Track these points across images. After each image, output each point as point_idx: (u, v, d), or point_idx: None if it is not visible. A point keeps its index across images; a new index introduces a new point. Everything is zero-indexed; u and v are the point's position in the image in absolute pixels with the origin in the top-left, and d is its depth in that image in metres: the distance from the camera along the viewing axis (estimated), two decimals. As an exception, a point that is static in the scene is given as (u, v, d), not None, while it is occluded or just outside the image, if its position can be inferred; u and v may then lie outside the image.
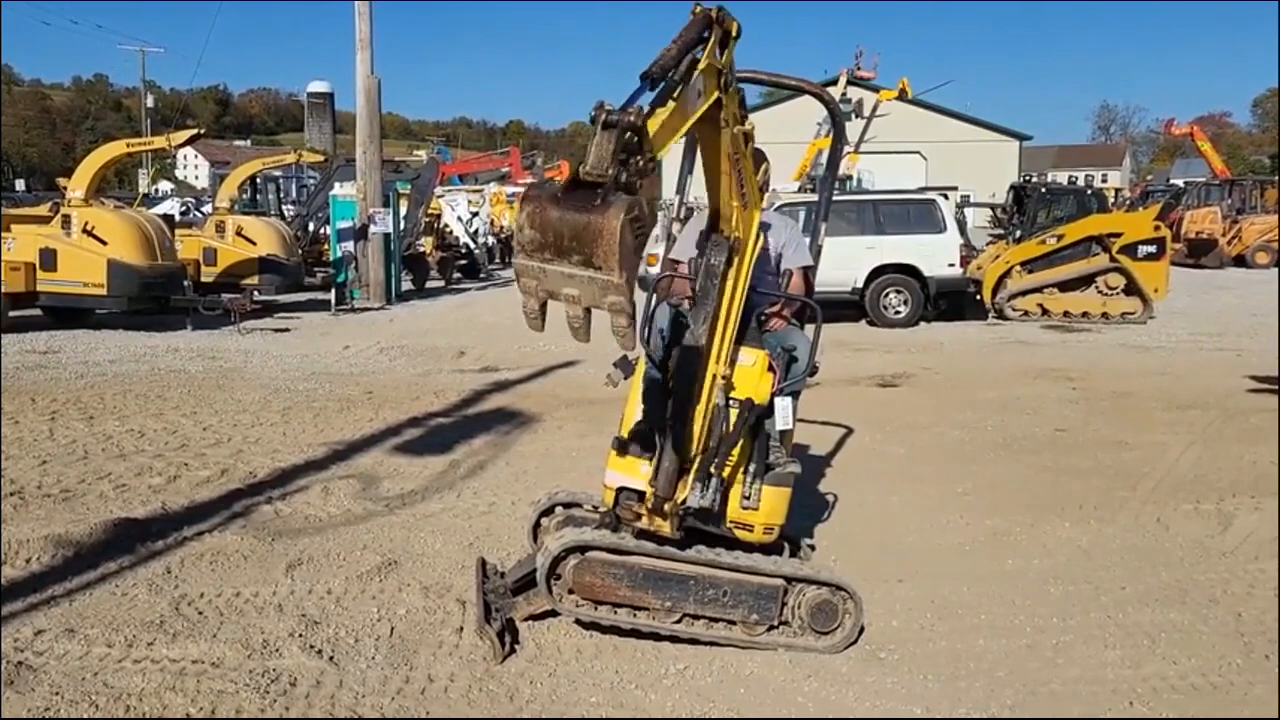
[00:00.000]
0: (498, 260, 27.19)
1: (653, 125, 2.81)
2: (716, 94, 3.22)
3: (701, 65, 3.08)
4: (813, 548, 4.86)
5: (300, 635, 4.07)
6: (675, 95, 2.97)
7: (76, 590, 4.50)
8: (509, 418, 8.29)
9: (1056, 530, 5.64)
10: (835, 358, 11.27)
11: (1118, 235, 15.45)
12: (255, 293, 15.75)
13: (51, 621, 4.15)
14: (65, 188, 14.13)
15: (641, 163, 2.74)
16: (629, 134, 2.68)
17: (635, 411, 4.21)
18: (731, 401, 3.99)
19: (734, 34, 3.27)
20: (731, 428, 3.94)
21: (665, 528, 3.90)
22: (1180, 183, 44.98)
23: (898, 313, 14.99)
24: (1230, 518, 5.78)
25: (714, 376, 3.86)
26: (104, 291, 12.97)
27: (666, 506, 3.83)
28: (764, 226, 4.23)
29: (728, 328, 3.84)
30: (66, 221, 13.13)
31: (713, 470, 3.90)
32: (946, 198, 16.51)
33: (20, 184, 48.20)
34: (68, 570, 4.72)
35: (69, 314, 13.47)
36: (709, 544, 4.09)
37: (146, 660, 3.83)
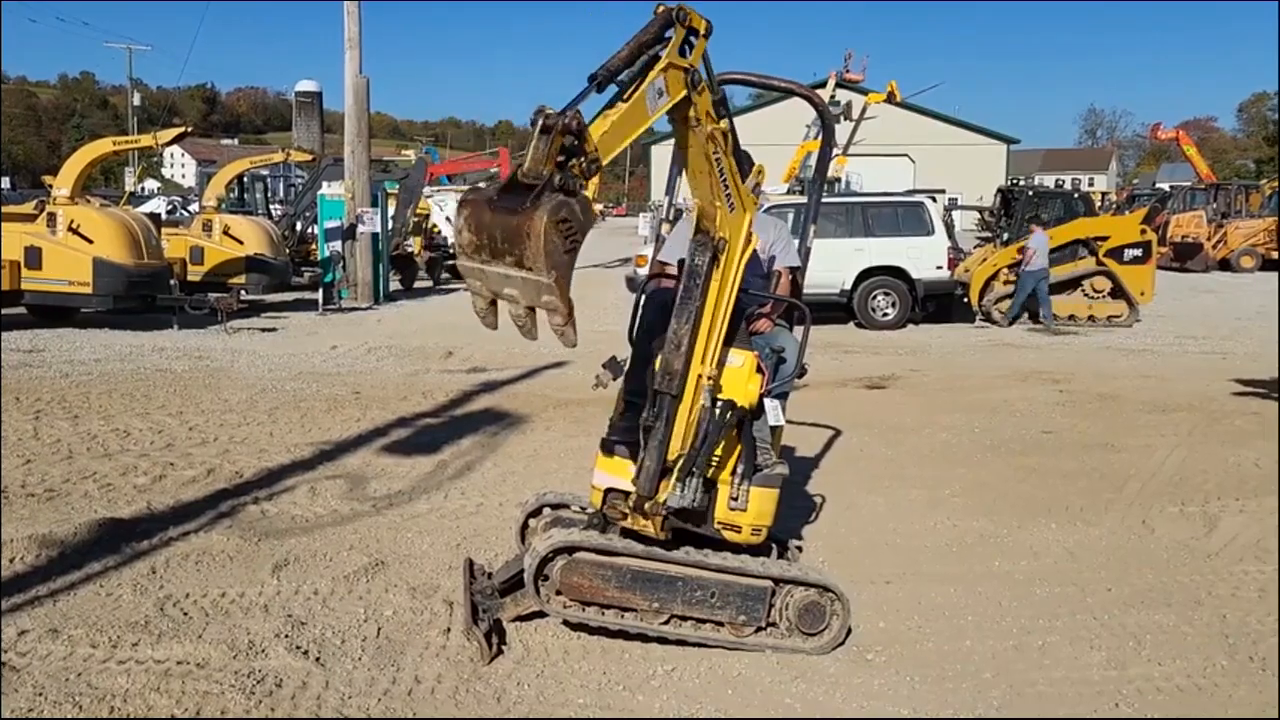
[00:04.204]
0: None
1: (598, 128, 2.86)
2: (684, 93, 3.24)
3: (661, 64, 3.11)
4: (800, 549, 4.87)
5: (286, 636, 4.05)
6: (627, 97, 3.00)
7: (60, 590, 4.46)
8: (497, 418, 8.27)
9: (1043, 532, 5.66)
10: (823, 360, 11.31)
11: (1104, 239, 15.54)
12: (242, 292, 15.72)
13: (35, 622, 4.11)
14: (51, 186, 14.05)
15: (584, 164, 2.79)
16: (566, 137, 2.74)
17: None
18: (719, 402, 3.99)
19: (703, 32, 3.28)
20: (714, 429, 3.93)
21: (649, 527, 3.90)
22: (1166, 187, 45.33)
23: (885, 315, 15.04)
24: (1215, 520, 5.81)
25: (699, 377, 3.86)
26: (89, 290, 12.90)
27: (648, 506, 3.83)
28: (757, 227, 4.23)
29: (714, 329, 3.83)
30: (52, 220, 13.05)
31: (694, 470, 3.89)
32: (934, 200, 16.57)
33: (5, 181, 47.92)
34: (52, 570, 4.68)
35: (54, 312, 13.39)
36: (697, 545, 4.08)
37: (131, 661, 3.81)
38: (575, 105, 2.85)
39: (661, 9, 3.15)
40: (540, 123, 2.73)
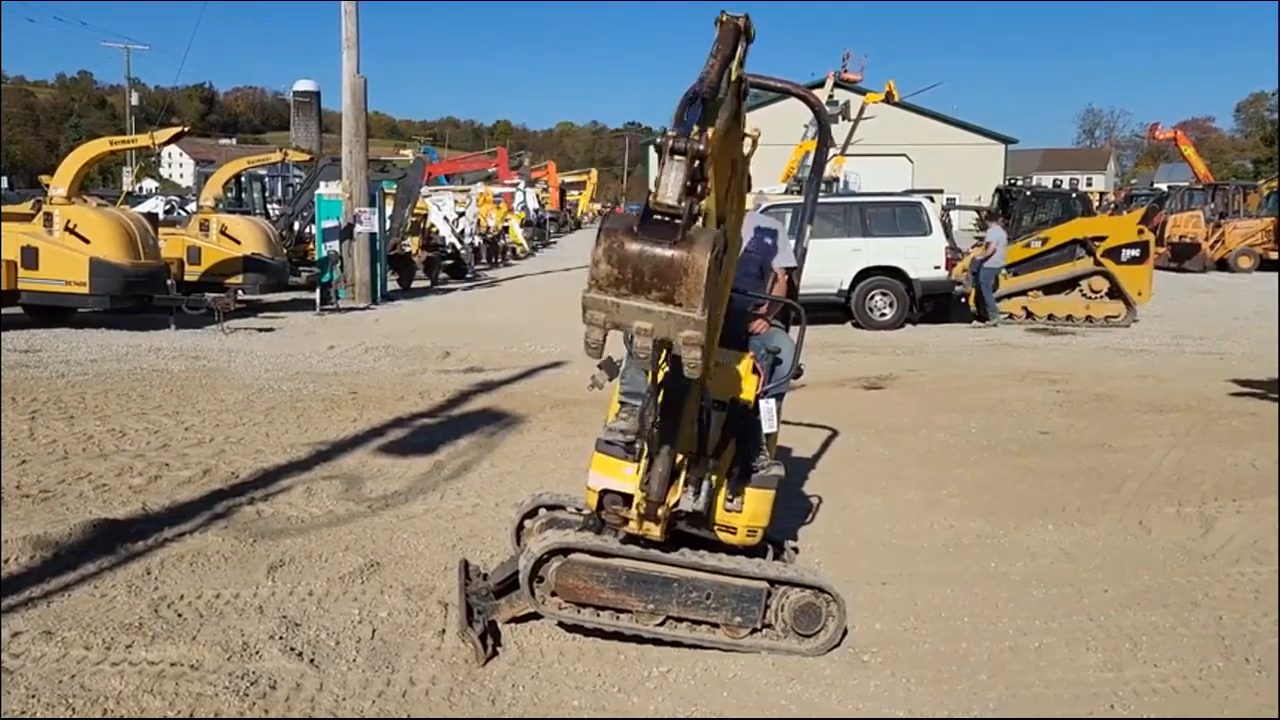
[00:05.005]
0: (484, 260, 27.14)
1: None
2: (738, 103, 3.22)
3: (733, 77, 3.07)
4: (796, 550, 4.85)
5: (280, 637, 4.04)
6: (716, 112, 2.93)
7: (55, 592, 4.45)
8: (494, 418, 8.26)
9: (1040, 533, 5.65)
10: (821, 360, 11.29)
11: (1102, 239, 15.54)
12: (239, 292, 15.68)
13: (29, 623, 4.11)
14: (48, 185, 14.03)
15: (701, 189, 2.70)
16: (697, 162, 2.63)
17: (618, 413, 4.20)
18: (715, 403, 3.98)
19: (750, 38, 3.25)
20: (721, 429, 3.93)
21: (655, 532, 3.89)
22: (1164, 187, 45.34)
23: (883, 315, 15.03)
24: (1212, 521, 5.81)
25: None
26: (86, 290, 12.87)
27: (660, 511, 3.81)
28: (748, 228, 4.24)
29: (713, 330, 3.84)
30: (48, 219, 13.03)
31: (705, 472, 3.89)
32: (932, 200, 16.55)
33: (3, 181, 47.85)
34: (46, 571, 4.67)
35: (51, 312, 13.35)
36: (692, 546, 4.08)
37: (125, 663, 3.80)
38: (690, 126, 2.72)
39: (726, 18, 3.09)
40: (670, 147, 2.62)
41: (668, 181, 2.62)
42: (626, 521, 3.89)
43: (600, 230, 2.67)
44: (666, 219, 2.60)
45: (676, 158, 2.61)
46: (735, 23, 3.07)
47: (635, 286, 2.64)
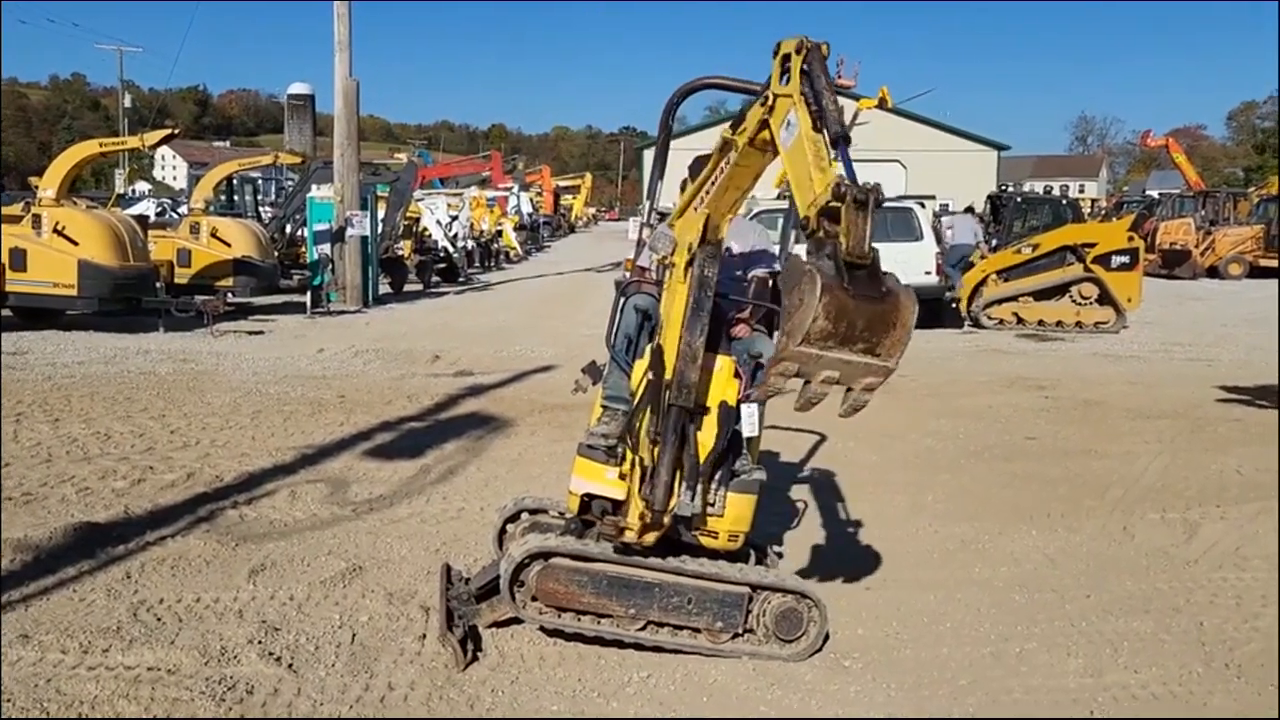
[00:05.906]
0: (477, 264, 27.12)
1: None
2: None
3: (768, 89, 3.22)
4: (780, 554, 4.85)
5: (260, 642, 4.02)
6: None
7: (34, 595, 4.43)
8: (482, 422, 8.25)
9: (1024, 538, 5.66)
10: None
11: (1092, 245, 15.57)
12: (229, 294, 15.65)
13: (6, 627, 4.07)
14: (37, 187, 13.99)
15: None
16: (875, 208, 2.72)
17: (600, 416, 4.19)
18: (698, 408, 3.97)
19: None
20: (716, 434, 3.92)
21: (650, 539, 3.88)
22: (1155, 194, 45.47)
23: (874, 320, 15.03)
24: (1196, 527, 5.82)
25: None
26: (74, 292, 12.85)
27: (665, 519, 3.80)
28: (733, 234, 4.25)
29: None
30: (37, 221, 13.00)
31: (700, 477, 3.87)
32: (924, 206, 16.58)
33: (-3, 182, 47.72)
34: (25, 575, 4.65)
35: (39, 314, 13.32)
36: (674, 551, 4.07)
37: (101, 667, 3.77)
38: (851, 174, 2.82)
39: (810, 44, 3.18)
40: (850, 196, 2.69)
41: (859, 232, 2.69)
42: (623, 532, 3.87)
43: (823, 286, 2.66)
44: (862, 268, 2.68)
45: (856, 206, 2.67)
46: (820, 50, 3.17)
47: (843, 339, 2.69)
